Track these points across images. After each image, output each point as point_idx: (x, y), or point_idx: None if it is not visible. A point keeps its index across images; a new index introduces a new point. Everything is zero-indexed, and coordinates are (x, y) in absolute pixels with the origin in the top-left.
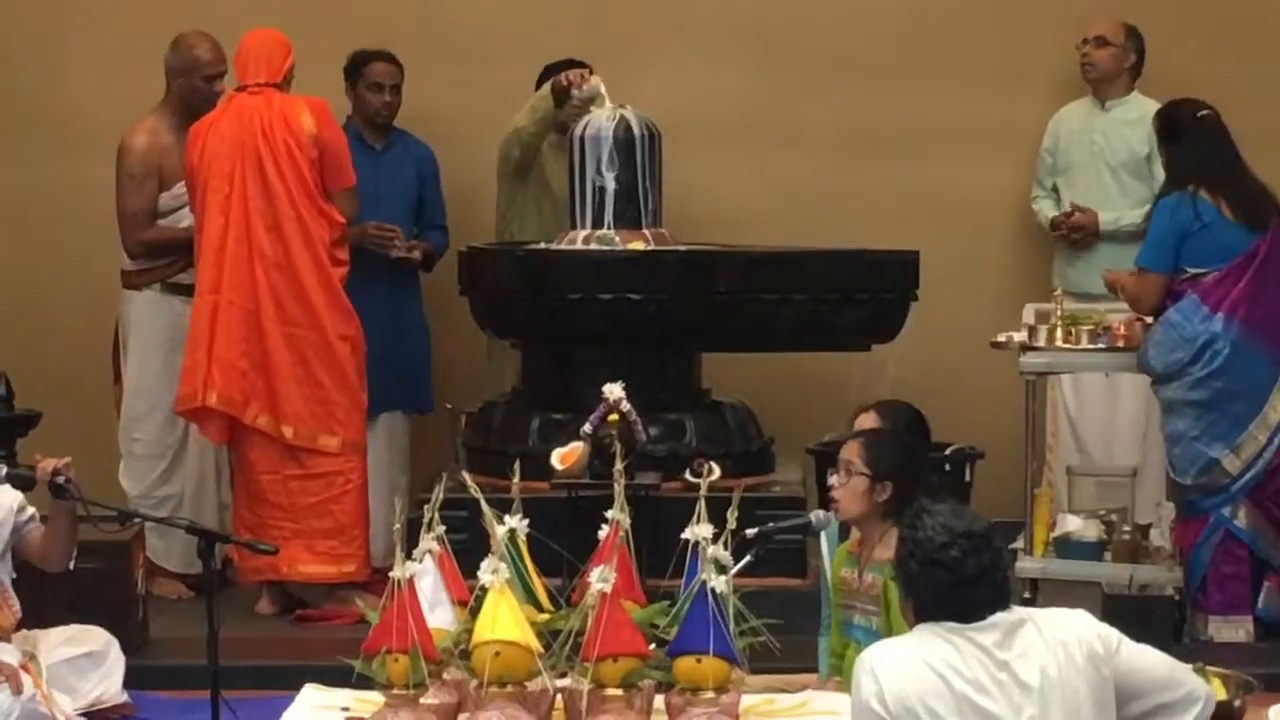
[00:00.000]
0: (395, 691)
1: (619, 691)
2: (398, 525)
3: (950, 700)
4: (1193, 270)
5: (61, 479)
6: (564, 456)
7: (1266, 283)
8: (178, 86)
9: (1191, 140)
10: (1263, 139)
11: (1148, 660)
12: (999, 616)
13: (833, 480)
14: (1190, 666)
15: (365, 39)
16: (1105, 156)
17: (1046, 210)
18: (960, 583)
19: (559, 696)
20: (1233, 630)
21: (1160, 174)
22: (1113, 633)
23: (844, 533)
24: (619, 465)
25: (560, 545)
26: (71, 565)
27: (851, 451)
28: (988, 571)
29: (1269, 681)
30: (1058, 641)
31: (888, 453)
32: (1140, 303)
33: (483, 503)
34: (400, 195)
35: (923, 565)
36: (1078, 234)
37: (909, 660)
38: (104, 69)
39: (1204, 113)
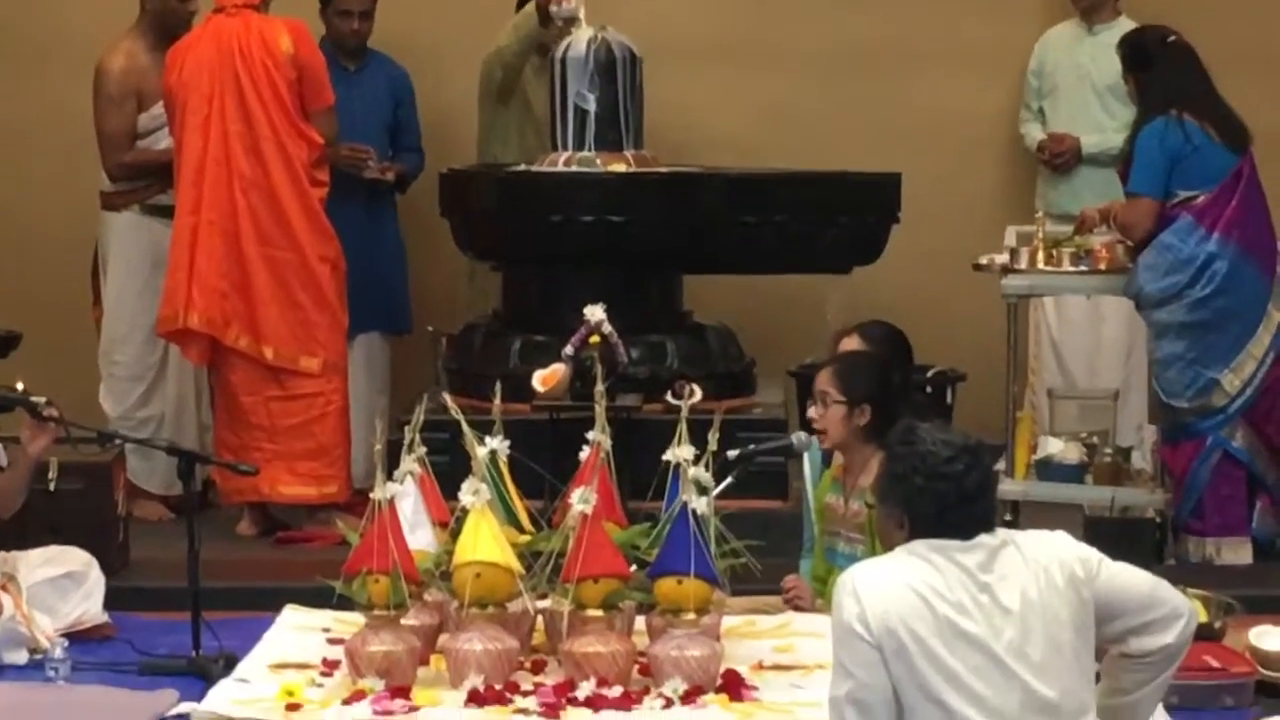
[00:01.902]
0: (376, 613)
1: (600, 613)
2: (378, 447)
3: (932, 622)
4: (1184, 193)
5: (51, 411)
6: (545, 378)
7: (1253, 203)
8: (152, 6)
9: (1165, 66)
10: (1240, 58)
11: (1129, 579)
12: (983, 538)
13: (812, 413)
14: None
15: None
16: (1092, 79)
17: (1033, 134)
18: (964, 497)
19: (540, 618)
20: (1233, 552)
21: None
22: (1093, 554)
23: (826, 455)
24: (600, 387)
25: (541, 467)
26: (53, 485)
27: (825, 381)
28: (986, 487)
29: (1263, 603)
30: (1039, 565)
31: (861, 375)
32: (1133, 229)
33: (464, 424)
34: (374, 117)
35: (929, 479)
36: (1059, 159)
37: (891, 582)
38: None
39: (1173, 38)
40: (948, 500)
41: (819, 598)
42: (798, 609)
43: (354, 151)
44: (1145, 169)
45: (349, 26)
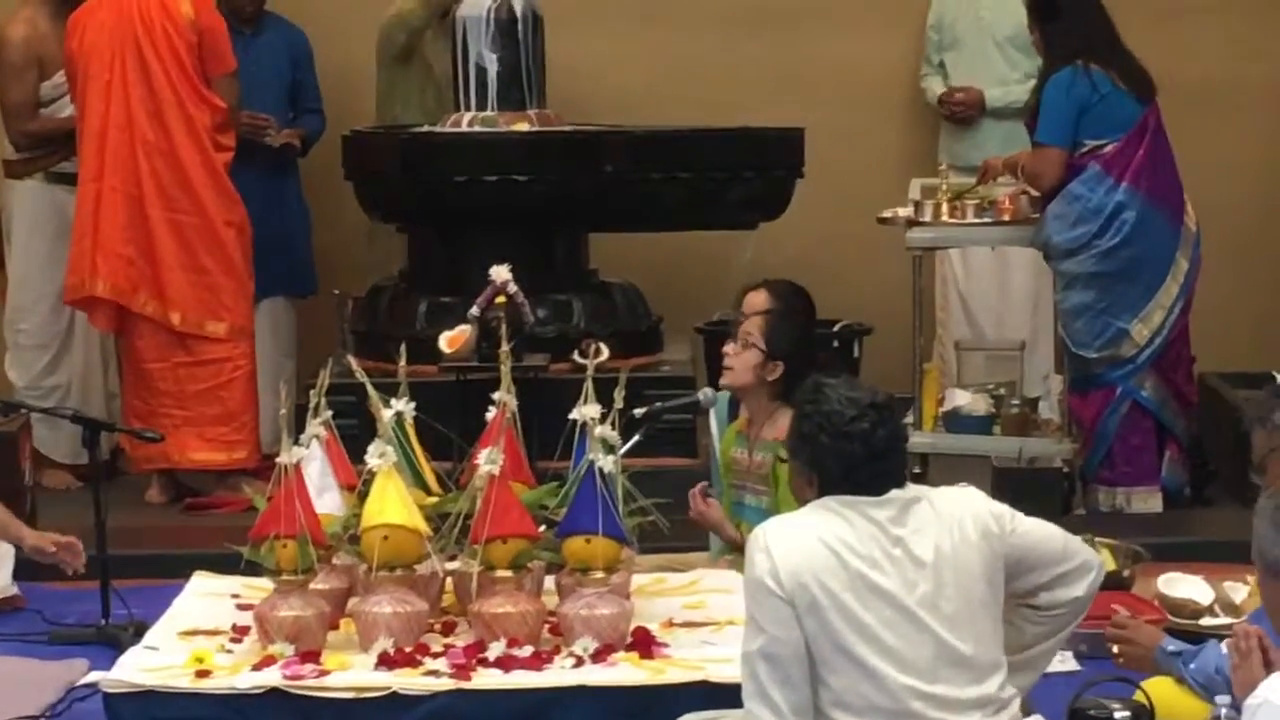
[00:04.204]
0: (284, 577)
1: (509, 573)
2: (284, 411)
3: (844, 576)
4: (1091, 143)
5: None
6: (451, 339)
7: (1160, 152)
8: None
9: (1071, 16)
10: (1140, 7)
11: (1041, 534)
12: (895, 493)
13: (727, 348)
14: (1080, 538)
15: None
16: (992, 31)
17: (934, 88)
18: (872, 455)
19: (449, 579)
20: (1143, 501)
21: None
22: (1005, 509)
23: (733, 411)
24: (506, 347)
25: (448, 428)
26: None
27: (754, 325)
28: (895, 443)
29: (1172, 550)
30: (952, 519)
31: (786, 334)
32: (1041, 179)
33: (369, 387)
34: (273, 80)
35: (835, 439)
36: (962, 109)
37: (803, 537)
38: None
39: None
40: (854, 459)
41: (727, 554)
42: (703, 519)
43: (253, 120)
44: (1053, 119)
45: None
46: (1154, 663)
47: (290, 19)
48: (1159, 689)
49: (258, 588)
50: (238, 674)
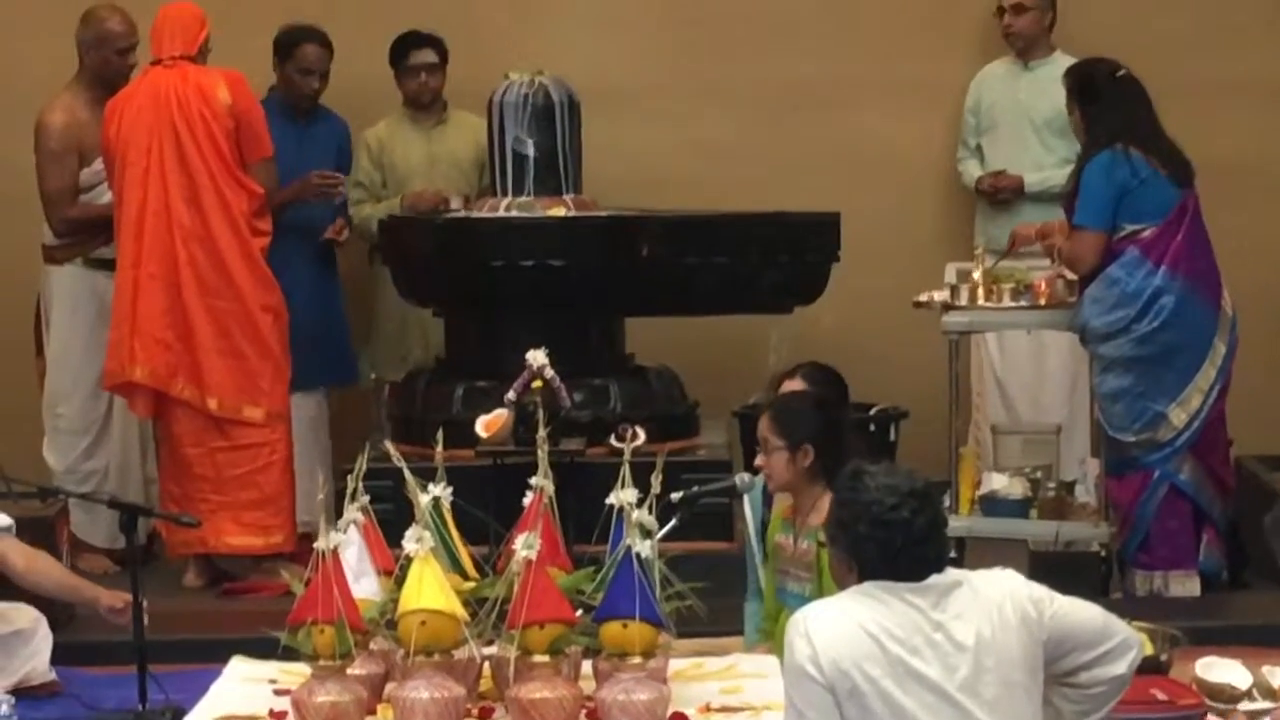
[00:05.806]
0: (322, 663)
1: (546, 658)
2: (321, 496)
3: (884, 663)
4: (1130, 227)
5: None
6: (488, 424)
7: (1198, 236)
8: (90, 61)
9: (1112, 100)
10: (1174, 91)
11: (1082, 615)
12: (935, 578)
13: (758, 460)
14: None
15: (283, 11)
16: (1030, 115)
17: (971, 171)
18: (911, 542)
19: (486, 664)
20: (1181, 585)
21: None
22: (1044, 593)
23: (767, 497)
24: (543, 432)
25: (485, 513)
26: None
27: (764, 428)
28: (935, 529)
29: (1210, 634)
30: (992, 603)
31: (799, 418)
32: (1080, 263)
33: (406, 472)
34: (324, 168)
35: (873, 527)
36: (1002, 192)
37: (843, 623)
38: (20, 42)
39: (1121, 72)
40: (893, 547)
41: (767, 639)
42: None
43: (325, 179)
44: (1092, 202)
45: (309, 85)
46: None
47: (332, 108)
48: None
49: (295, 673)
50: None
